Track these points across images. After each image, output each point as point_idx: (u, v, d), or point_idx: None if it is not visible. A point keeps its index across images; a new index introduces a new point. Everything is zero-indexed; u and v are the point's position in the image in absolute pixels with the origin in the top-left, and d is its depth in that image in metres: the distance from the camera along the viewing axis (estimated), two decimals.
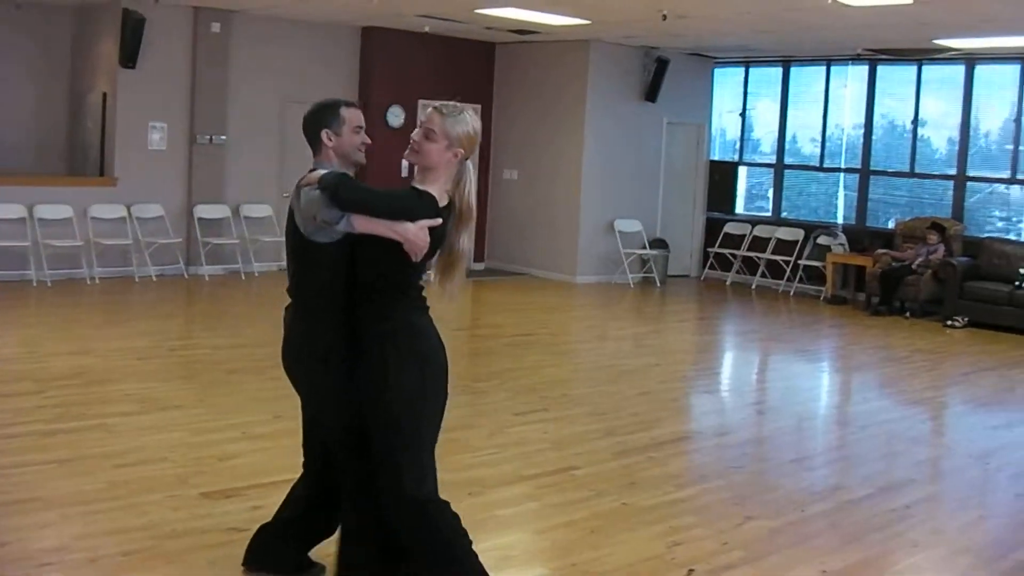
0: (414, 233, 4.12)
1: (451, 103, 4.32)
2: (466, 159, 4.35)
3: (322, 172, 4.39)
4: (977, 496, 6.99)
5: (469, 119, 4.32)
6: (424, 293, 4.41)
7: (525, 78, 16.90)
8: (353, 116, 4.57)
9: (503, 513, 5.82)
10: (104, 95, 14.23)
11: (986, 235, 15.29)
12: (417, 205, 4.19)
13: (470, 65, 16.93)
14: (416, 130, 4.33)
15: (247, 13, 14.59)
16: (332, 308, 4.36)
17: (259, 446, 6.85)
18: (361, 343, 4.31)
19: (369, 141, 4.63)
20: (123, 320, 11.79)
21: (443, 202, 4.29)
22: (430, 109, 4.34)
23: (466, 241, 4.39)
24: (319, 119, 4.62)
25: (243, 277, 14.53)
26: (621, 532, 5.58)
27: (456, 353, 10.65)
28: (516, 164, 17.08)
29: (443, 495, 5.90)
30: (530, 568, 5.17)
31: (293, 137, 15.01)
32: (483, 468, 6.60)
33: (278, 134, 15.17)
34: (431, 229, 4.16)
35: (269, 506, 5.60)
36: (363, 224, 4.14)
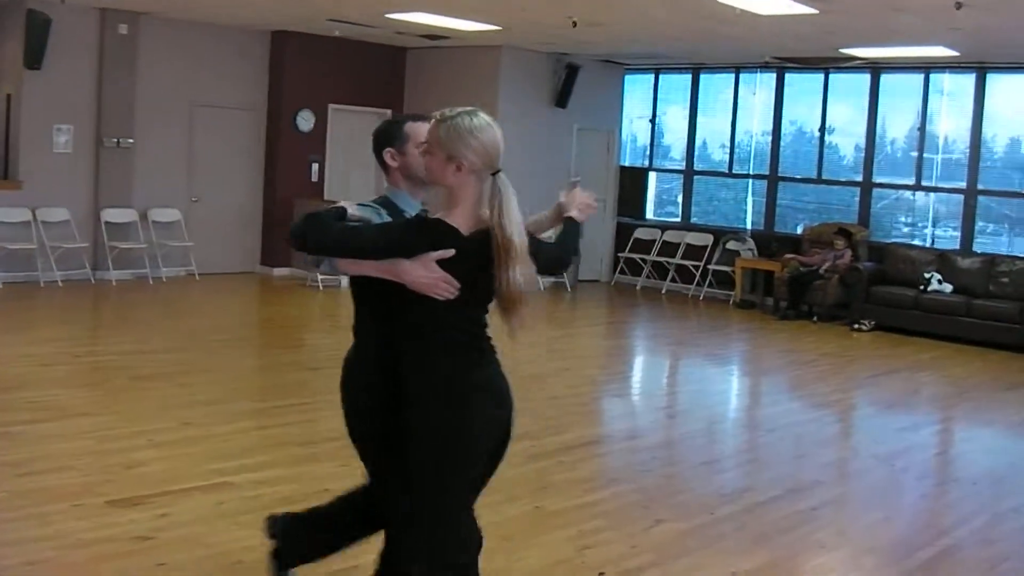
0: (412, 271, 3.59)
1: (455, 108, 3.75)
2: (490, 173, 3.71)
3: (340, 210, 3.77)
4: (883, 497, 7.10)
5: (465, 123, 3.69)
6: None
7: (436, 83, 16.87)
8: (418, 131, 3.97)
9: None
10: (8, 96, 13.96)
11: (892, 240, 15.56)
12: (410, 237, 3.64)
13: (381, 70, 16.88)
14: None
15: (155, 15, 14.42)
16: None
17: (166, 453, 6.77)
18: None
19: None
20: (27, 326, 11.59)
21: (470, 229, 3.66)
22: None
23: (518, 275, 3.70)
24: (383, 138, 4.10)
25: (151, 282, 14.34)
26: (533, 536, 5.60)
27: None
28: None
29: None
30: (441, 573, 5.16)
31: (202, 141, 15.07)
32: None
33: (187, 138, 15.05)
34: (452, 261, 3.61)
35: (176, 514, 5.57)
36: (349, 267, 3.76)
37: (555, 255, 4.17)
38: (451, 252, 3.59)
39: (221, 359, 9.94)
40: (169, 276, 14.62)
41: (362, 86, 16.63)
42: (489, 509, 5.91)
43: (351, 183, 16.54)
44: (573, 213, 4.21)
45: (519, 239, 3.66)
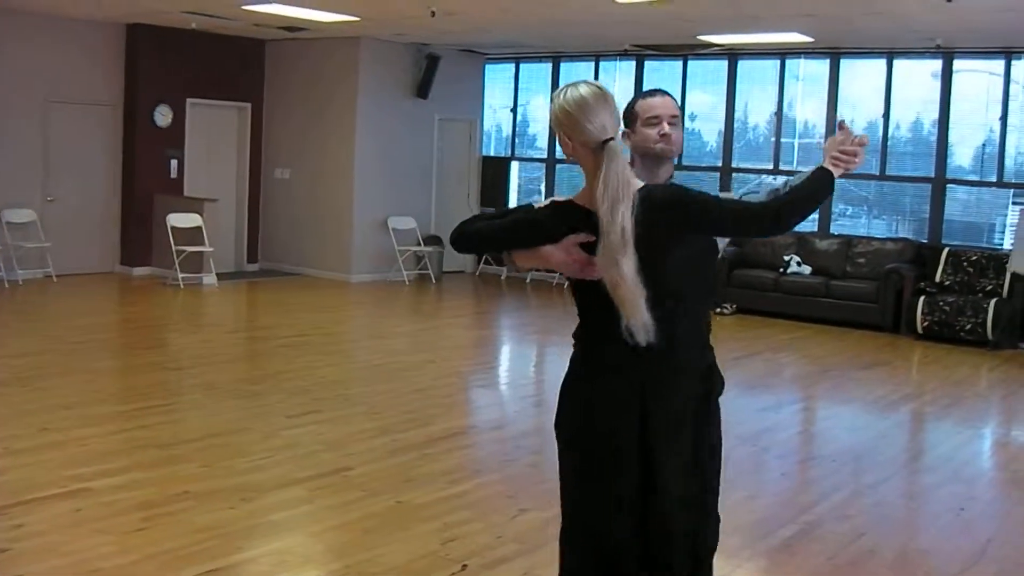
0: (554, 255, 3.40)
1: (567, 84, 3.41)
2: (604, 142, 3.29)
3: None
4: (745, 477, 7.18)
5: (559, 99, 3.37)
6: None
7: (296, 76, 16.71)
8: (646, 107, 3.75)
9: (276, 517, 5.73)
10: None
11: None
12: (531, 221, 3.46)
13: (239, 63, 16.64)
14: None
15: (5, 8, 13.97)
16: None
17: (23, 461, 6.57)
18: None
19: (667, 130, 3.71)
20: None
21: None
22: None
23: (625, 265, 3.21)
24: (624, 123, 3.73)
25: (6, 285, 13.92)
26: (395, 531, 5.56)
27: (229, 356, 10.60)
28: (288, 163, 16.87)
29: (214, 502, 5.83)
30: (304, 572, 5.11)
31: (57, 138, 14.73)
32: (256, 473, 6.49)
33: (41, 135, 14.65)
34: (586, 244, 3.32)
35: (32, 523, 5.42)
36: (521, 260, 3.56)
37: (748, 210, 3.49)
38: (587, 237, 3.29)
39: (79, 362, 9.71)
40: (25, 279, 14.19)
41: (221, 79, 16.39)
42: (350, 505, 5.92)
43: (210, 178, 16.31)
44: (825, 162, 3.52)
45: (608, 217, 3.21)
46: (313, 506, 5.95)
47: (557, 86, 17.33)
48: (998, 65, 14.18)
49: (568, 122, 3.34)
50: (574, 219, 3.35)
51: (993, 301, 12.65)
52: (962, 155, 14.57)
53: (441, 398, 9.03)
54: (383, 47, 16.15)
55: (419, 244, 16.63)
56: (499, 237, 3.55)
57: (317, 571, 5.11)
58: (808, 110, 15.73)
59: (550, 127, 14.95)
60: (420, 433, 7.61)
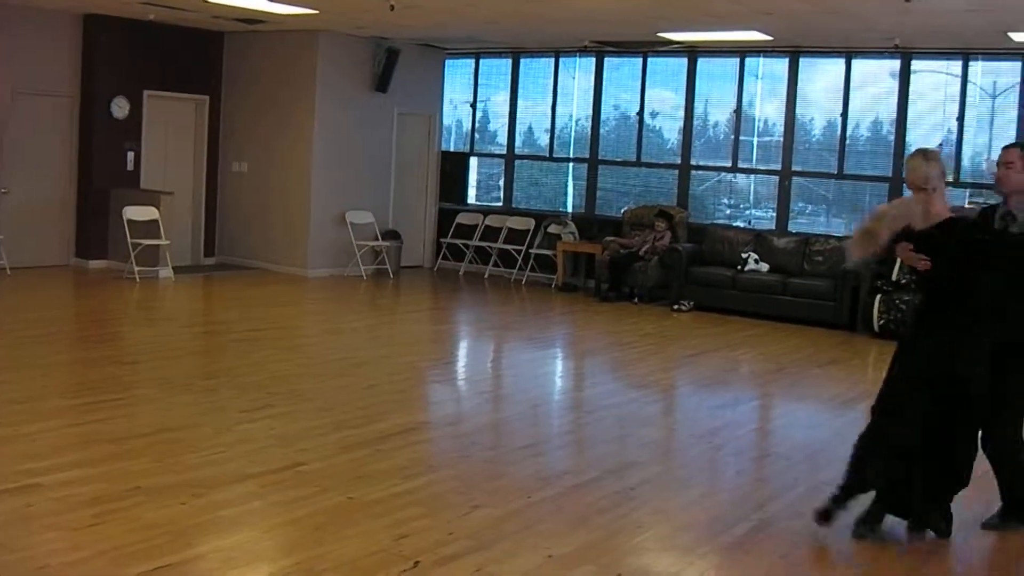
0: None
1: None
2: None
3: None
4: (700, 474, 7.21)
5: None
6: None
7: (254, 68, 16.59)
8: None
9: (227, 513, 5.66)
10: None
11: (712, 222, 15.84)
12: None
13: (198, 55, 16.51)
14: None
15: None
16: None
17: None
18: None
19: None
20: None
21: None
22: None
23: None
24: None
25: None
26: (346, 527, 5.50)
27: (183, 351, 10.52)
28: (245, 156, 16.75)
29: (165, 498, 5.77)
30: (254, 569, 5.03)
31: (12, 129, 14.54)
32: (207, 468, 6.42)
33: None
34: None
35: None
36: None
37: None
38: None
39: (32, 355, 9.59)
40: None
41: (179, 72, 16.25)
42: (302, 501, 5.86)
43: (168, 171, 16.18)
44: None
45: None
46: (264, 502, 5.88)
47: (518, 82, 17.44)
48: (956, 66, 14.27)
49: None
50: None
51: None
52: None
53: (396, 393, 8.98)
54: (342, 40, 16.06)
55: (377, 239, 16.55)
56: None
57: (267, 568, 5.05)
58: (768, 108, 15.77)
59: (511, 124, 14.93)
60: (374, 429, 7.55)
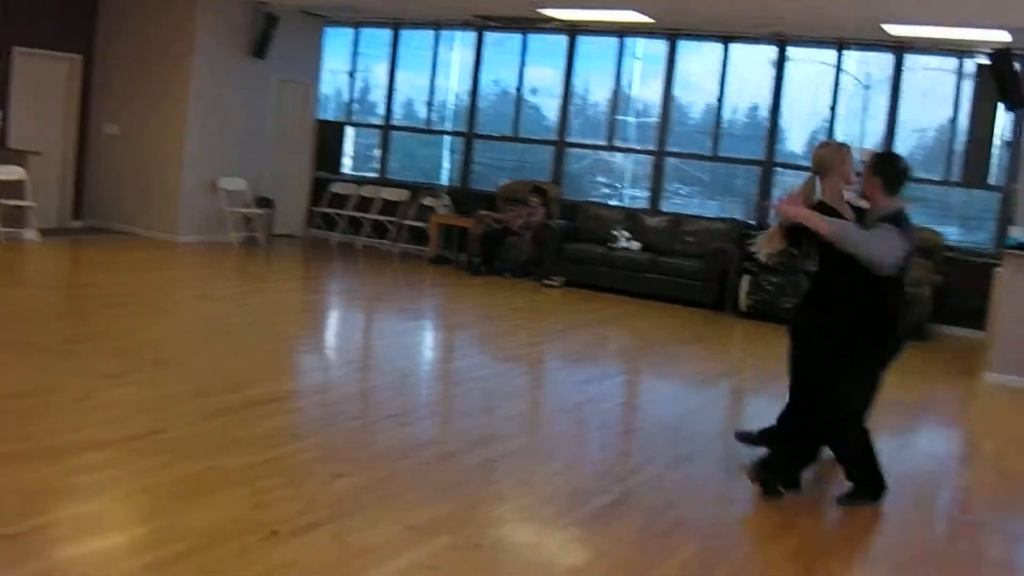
0: None
1: None
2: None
3: None
4: (564, 447, 7.27)
5: None
6: None
7: (130, 30, 16.19)
8: None
9: (82, 480, 5.55)
10: None
11: (584, 199, 15.96)
12: None
13: (71, 13, 16.06)
14: None
15: None
16: None
17: None
18: None
19: None
20: None
21: None
22: None
23: None
24: None
25: None
26: (205, 495, 5.45)
27: (48, 314, 10.28)
28: (118, 118, 16.38)
29: (20, 463, 5.65)
30: (107, 537, 4.94)
31: None
32: (68, 433, 6.29)
33: None
34: None
35: None
36: None
37: None
38: None
39: None
40: None
41: (51, 29, 15.81)
42: (161, 469, 5.79)
43: (37, 131, 15.78)
44: None
45: None
46: (122, 469, 5.78)
47: (397, 53, 17.35)
48: (831, 55, 14.52)
49: None
50: None
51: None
52: (795, 140, 14.90)
53: (263, 362, 8.91)
54: (221, 4, 15.82)
55: (249, 206, 16.37)
56: None
57: (120, 536, 4.97)
58: (647, 90, 15.91)
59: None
60: (239, 397, 7.48)
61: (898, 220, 6.15)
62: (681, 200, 15.79)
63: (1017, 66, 12.24)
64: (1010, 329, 10.77)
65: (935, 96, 14.16)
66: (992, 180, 13.34)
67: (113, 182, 16.40)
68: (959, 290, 13.42)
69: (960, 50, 13.70)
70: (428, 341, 11.18)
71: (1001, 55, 11.95)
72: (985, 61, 12.33)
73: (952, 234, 13.99)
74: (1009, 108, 12.31)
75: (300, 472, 6.02)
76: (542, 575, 4.98)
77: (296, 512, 5.32)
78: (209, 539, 4.89)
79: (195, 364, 8.49)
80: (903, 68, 14.21)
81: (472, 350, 10.79)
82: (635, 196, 15.99)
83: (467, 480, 6.13)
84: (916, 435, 8.74)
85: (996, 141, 12.84)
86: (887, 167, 6.35)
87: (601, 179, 16.46)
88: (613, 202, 16.04)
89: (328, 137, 18.05)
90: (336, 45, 18.17)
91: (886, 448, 7.89)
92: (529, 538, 5.41)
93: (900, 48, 14.09)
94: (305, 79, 17.66)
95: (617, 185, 16.33)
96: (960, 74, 13.90)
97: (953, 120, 13.95)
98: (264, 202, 16.57)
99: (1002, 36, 12.13)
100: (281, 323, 11.04)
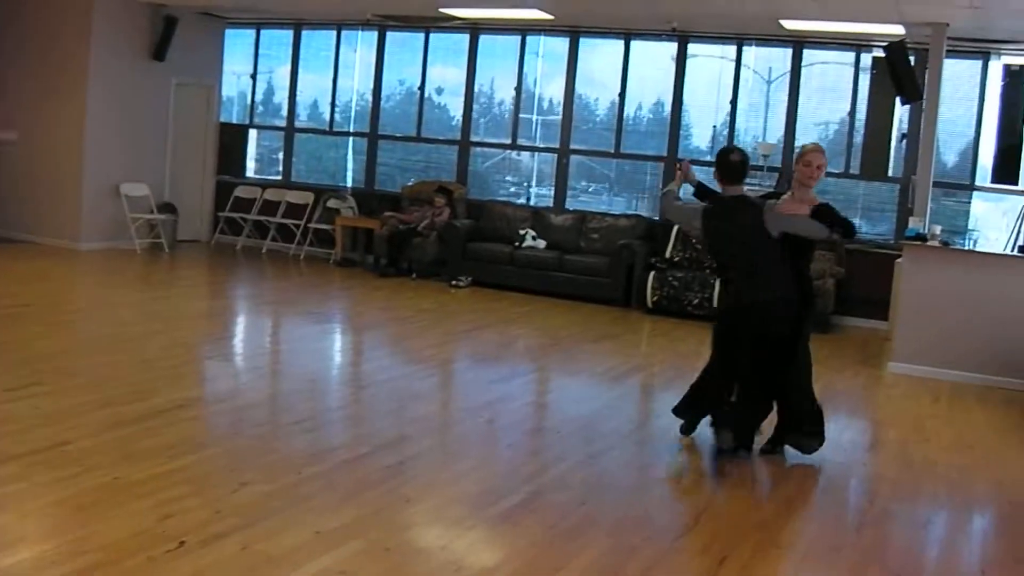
0: None
1: None
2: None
3: None
4: (472, 448, 7.27)
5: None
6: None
7: (26, 32, 15.88)
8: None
9: None
10: None
11: (490, 198, 15.98)
12: None
13: None
14: None
15: None
16: None
17: None
18: None
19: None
20: None
21: None
22: None
23: None
24: None
25: None
26: (111, 508, 5.37)
27: None
28: (15, 124, 16.09)
29: None
30: (13, 552, 4.84)
31: None
32: None
33: None
34: None
35: None
36: None
37: None
38: None
39: None
40: None
41: None
42: (64, 482, 5.70)
43: None
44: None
45: None
46: (27, 483, 5.68)
47: (299, 54, 17.23)
48: (730, 50, 14.67)
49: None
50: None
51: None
52: (699, 136, 15.03)
53: (168, 370, 8.78)
54: (118, 6, 15.60)
55: (152, 212, 16.17)
56: None
57: (27, 551, 4.88)
58: (551, 87, 15.96)
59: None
60: (143, 406, 7.38)
61: (716, 201, 7.46)
62: (588, 197, 15.86)
63: (912, 59, 12.42)
64: (911, 319, 10.98)
65: (834, 90, 14.39)
66: (891, 172, 13.54)
67: (11, 190, 16.10)
68: (861, 282, 13.64)
69: (857, 44, 13.94)
70: (335, 344, 11.12)
71: (896, 49, 12.12)
72: (881, 55, 12.49)
73: (855, 226, 14.17)
74: (905, 101, 12.50)
75: (206, 481, 5.95)
76: None
77: (203, 522, 5.27)
78: (116, 552, 4.83)
79: (99, 374, 8.36)
80: (802, 62, 14.41)
81: (380, 352, 10.76)
82: (542, 194, 16.04)
83: (376, 484, 6.11)
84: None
85: (894, 133, 13.01)
86: (717, 160, 7.41)
87: (509, 178, 16.49)
88: (520, 201, 16.08)
89: (231, 140, 17.89)
90: (238, 47, 18.01)
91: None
92: (438, 540, 5.40)
93: (798, 43, 14.28)
94: (206, 81, 17.49)
95: (524, 183, 16.36)
96: (857, 68, 14.13)
97: (852, 113, 14.18)
98: (167, 208, 16.38)
99: (897, 30, 12.33)
100: (186, 330, 10.92)
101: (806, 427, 7.40)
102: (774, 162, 13.99)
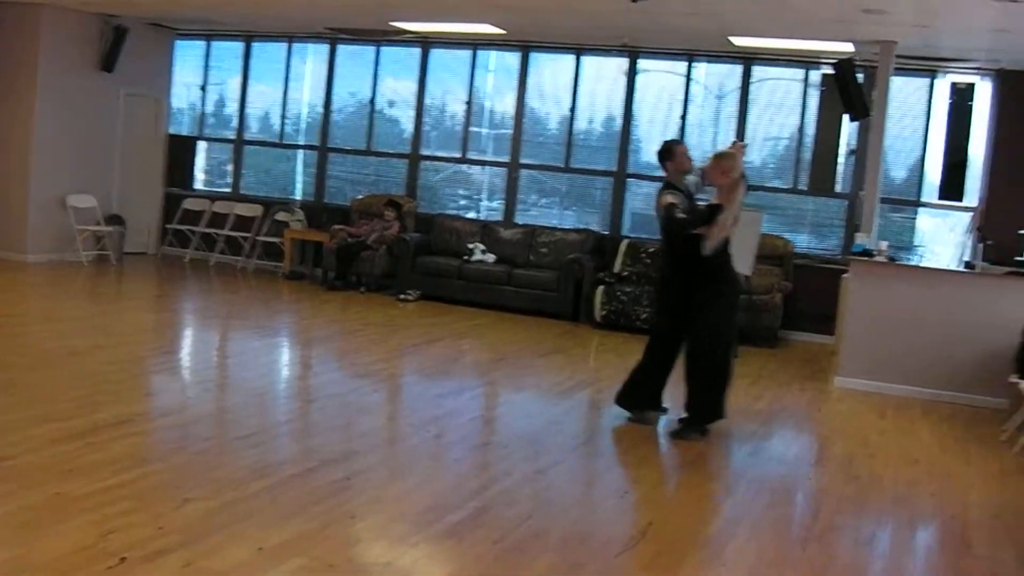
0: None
1: None
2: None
3: None
4: (419, 463, 7.23)
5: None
6: None
7: None
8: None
9: None
10: None
11: (440, 212, 15.97)
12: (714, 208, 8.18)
13: None
14: None
15: None
16: None
17: None
18: None
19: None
20: None
21: None
22: None
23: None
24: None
25: None
26: (52, 524, 5.31)
27: None
28: None
29: None
30: None
31: None
32: None
33: None
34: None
35: None
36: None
37: None
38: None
39: None
40: None
41: None
42: (4, 498, 5.63)
43: None
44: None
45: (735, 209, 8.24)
46: None
47: (249, 66, 17.15)
48: (681, 66, 14.75)
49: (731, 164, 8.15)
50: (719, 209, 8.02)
51: None
52: (648, 151, 15.07)
53: (112, 384, 8.69)
54: (67, 16, 15.47)
55: (99, 224, 16.05)
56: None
57: None
58: (502, 102, 15.98)
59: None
60: (87, 421, 7.30)
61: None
62: (539, 211, 15.88)
63: (860, 77, 12.52)
64: (857, 334, 11.06)
65: (783, 106, 14.51)
66: (839, 188, 13.65)
67: None
68: (809, 297, 13.73)
69: (806, 61, 14.05)
70: (283, 358, 11.06)
71: (845, 66, 12.22)
72: (830, 72, 12.60)
73: (803, 241, 14.32)
74: (853, 118, 12.61)
75: (150, 497, 5.89)
76: None
77: (146, 538, 5.21)
78: (57, 570, 4.78)
79: (41, 388, 8.27)
80: (751, 79, 14.51)
81: (327, 366, 10.72)
82: (493, 208, 16.05)
83: (321, 499, 6.07)
84: (768, 440, 8.87)
85: (842, 150, 13.11)
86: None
87: (461, 191, 16.48)
88: (471, 215, 16.08)
89: (180, 152, 17.77)
90: (188, 58, 17.91)
91: (740, 453, 8.08)
92: (383, 557, 5.38)
93: (748, 59, 14.38)
94: (155, 93, 17.38)
95: (476, 197, 16.36)
96: (806, 85, 14.24)
97: (800, 129, 14.29)
98: (114, 219, 16.25)
99: (846, 48, 12.44)
100: (132, 344, 10.81)
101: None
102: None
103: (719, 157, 8.37)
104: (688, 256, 8.23)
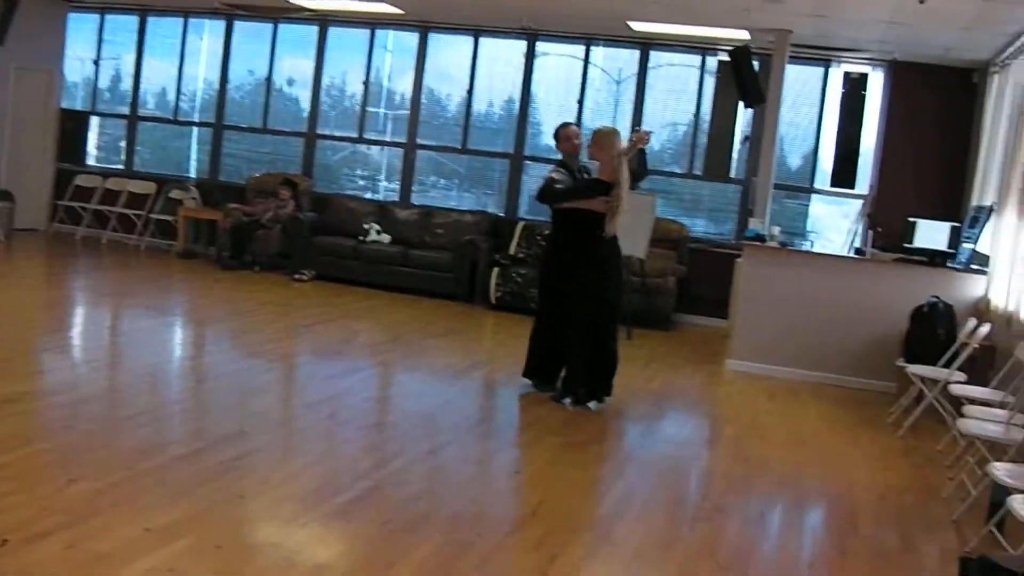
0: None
1: None
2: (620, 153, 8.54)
3: None
4: (309, 444, 7.21)
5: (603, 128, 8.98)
6: None
7: None
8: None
9: None
10: None
11: (336, 192, 15.88)
12: (595, 183, 8.64)
13: None
14: None
15: None
16: None
17: None
18: None
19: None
20: None
21: None
22: None
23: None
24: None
25: None
26: None
27: None
28: None
29: None
30: None
31: None
32: None
33: None
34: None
35: None
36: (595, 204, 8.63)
37: None
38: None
39: None
40: None
41: None
42: None
43: None
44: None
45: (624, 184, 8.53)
46: None
47: (144, 41, 16.89)
48: (579, 50, 14.80)
49: (608, 141, 8.57)
50: (605, 185, 8.45)
51: None
52: (547, 134, 15.12)
53: None
54: None
55: None
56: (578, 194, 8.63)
57: None
58: (400, 82, 15.92)
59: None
60: None
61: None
62: (437, 193, 15.85)
63: (756, 64, 12.65)
64: (749, 318, 11.22)
65: (680, 92, 14.63)
66: (734, 174, 13.80)
67: None
68: (703, 280, 13.88)
69: (703, 47, 14.17)
70: (175, 338, 10.93)
71: (740, 53, 12.35)
72: (726, 59, 12.72)
73: (699, 226, 14.48)
74: (748, 105, 12.75)
75: (33, 477, 5.79)
76: (283, 575, 4.92)
77: (28, 519, 5.13)
78: None
79: None
80: (648, 63, 14.60)
81: (219, 346, 10.62)
82: (391, 188, 15.99)
83: (209, 480, 6.02)
84: (660, 421, 8.98)
85: (737, 136, 13.26)
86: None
87: (359, 172, 16.39)
88: (369, 195, 16.02)
89: (72, 127, 17.44)
90: (82, 31, 17.57)
91: (632, 434, 8.16)
92: (270, 537, 5.35)
93: (645, 44, 14.47)
94: (46, 66, 17.04)
95: (374, 177, 16.29)
96: (703, 71, 14.37)
97: (696, 115, 14.42)
98: (3, 195, 15.92)
99: (742, 35, 12.57)
100: (19, 322, 10.60)
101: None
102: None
103: (597, 134, 8.81)
104: (571, 231, 8.74)
